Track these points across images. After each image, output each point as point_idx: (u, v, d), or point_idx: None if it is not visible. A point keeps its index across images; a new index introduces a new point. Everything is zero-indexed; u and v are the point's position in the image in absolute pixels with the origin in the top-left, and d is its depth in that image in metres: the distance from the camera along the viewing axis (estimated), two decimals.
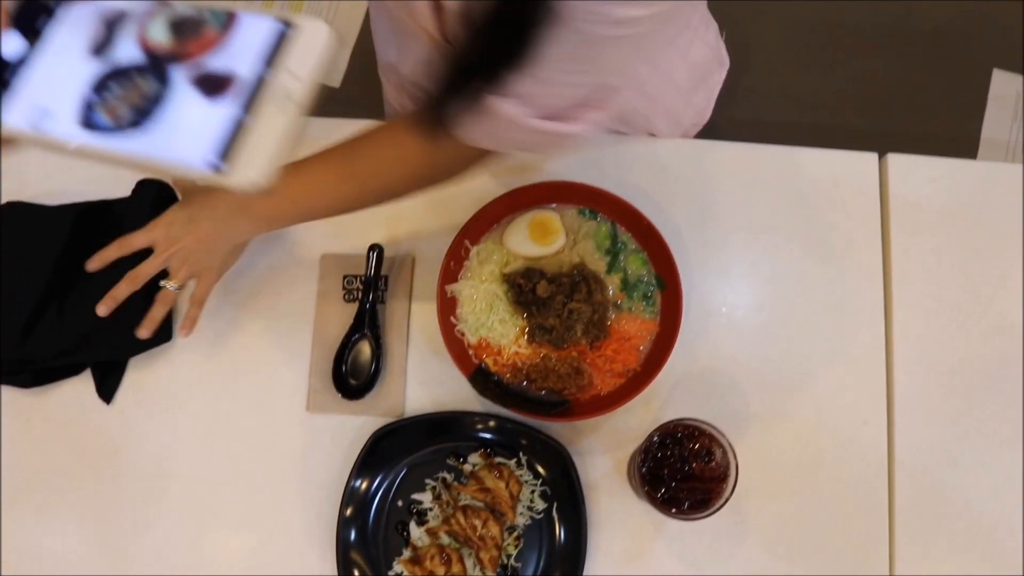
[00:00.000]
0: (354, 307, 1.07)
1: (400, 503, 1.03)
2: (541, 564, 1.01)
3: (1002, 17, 2.13)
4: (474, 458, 1.03)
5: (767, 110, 2.02)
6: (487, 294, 1.02)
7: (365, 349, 1.06)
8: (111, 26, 0.53)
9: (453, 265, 1.03)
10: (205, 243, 0.93)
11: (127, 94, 0.50)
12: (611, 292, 1.03)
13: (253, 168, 0.47)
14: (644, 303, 1.03)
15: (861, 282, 1.10)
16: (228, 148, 0.47)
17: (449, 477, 1.03)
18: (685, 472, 0.92)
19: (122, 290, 0.92)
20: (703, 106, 1.23)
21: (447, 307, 1.02)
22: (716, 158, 1.14)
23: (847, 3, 2.30)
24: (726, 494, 0.90)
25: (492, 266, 1.04)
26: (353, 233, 1.10)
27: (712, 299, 1.09)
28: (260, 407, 1.06)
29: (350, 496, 1.01)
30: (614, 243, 1.04)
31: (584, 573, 0.99)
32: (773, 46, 2.15)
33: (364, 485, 1.01)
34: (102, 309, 0.92)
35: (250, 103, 0.48)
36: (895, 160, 1.14)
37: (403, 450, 1.03)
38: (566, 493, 1.01)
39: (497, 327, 1.02)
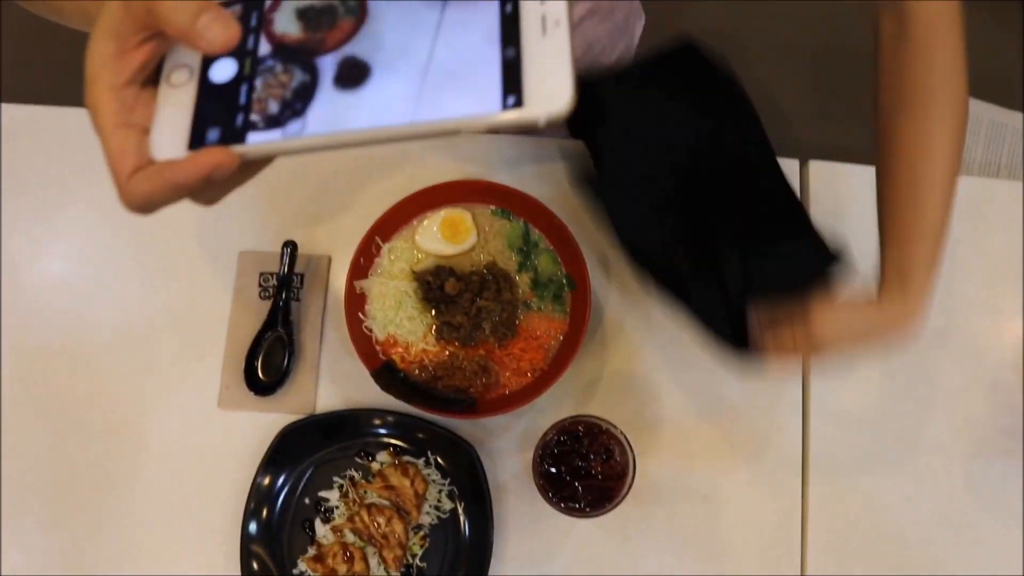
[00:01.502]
0: (269, 304, 1.07)
1: (307, 500, 1.02)
2: (446, 564, 1.00)
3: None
4: (382, 456, 1.02)
5: None
6: (396, 291, 1.02)
7: (277, 346, 1.05)
8: None
9: (363, 262, 1.03)
10: None
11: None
12: (521, 291, 1.03)
13: (554, 96, 0.43)
14: (554, 303, 1.02)
15: None
16: (515, 86, 0.44)
17: (357, 475, 1.02)
18: (584, 470, 0.91)
19: None
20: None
21: (355, 303, 1.01)
22: None
23: (822, 22, 2.32)
24: (623, 492, 0.90)
25: (403, 264, 1.04)
26: (272, 231, 1.10)
27: (627, 302, 1.09)
28: (172, 403, 1.06)
29: (255, 491, 1.00)
30: (526, 242, 1.04)
31: (490, 574, 0.98)
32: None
33: (269, 481, 1.01)
34: None
35: (516, 39, 0.45)
36: (817, 167, 1.14)
37: (311, 447, 1.02)
38: (473, 493, 1.01)
39: (405, 324, 1.01)
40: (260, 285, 1.08)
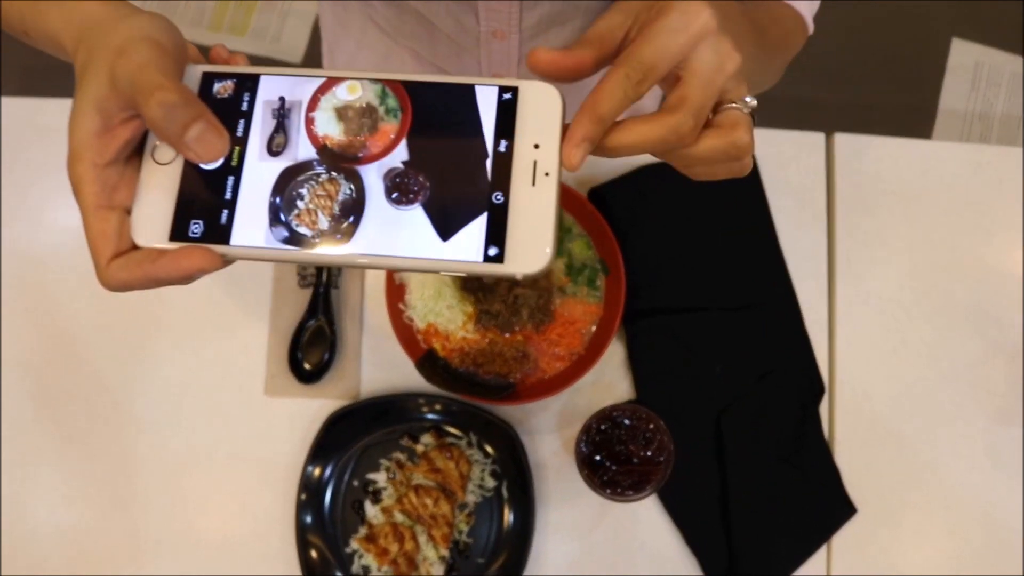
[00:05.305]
0: (309, 292, 1.09)
1: (356, 483, 1.06)
2: (492, 539, 1.05)
3: None
4: (426, 438, 1.06)
5: None
6: (435, 280, 1.04)
7: (320, 334, 1.08)
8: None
9: None
10: None
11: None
12: (555, 277, 1.05)
13: (532, 254, 0.42)
14: (588, 287, 1.05)
15: (805, 264, 1.11)
16: (499, 236, 0.42)
17: (403, 457, 1.06)
18: (624, 454, 0.95)
19: None
20: None
21: (396, 293, 1.04)
22: None
23: None
24: (661, 477, 0.94)
25: None
26: None
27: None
28: (220, 392, 1.09)
29: (306, 481, 1.04)
30: (559, 228, 1.06)
31: (534, 548, 1.03)
32: None
33: (318, 471, 1.05)
34: None
35: (504, 185, 0.43)
36: (842, 140, 1.15)
37: (358, 432, 1.06)
38: (515, 472, 1.05)
39: (445, 313, 1.04)
40: (298, 274, 1.11)
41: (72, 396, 1.09)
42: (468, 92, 0.45)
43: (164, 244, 0.45)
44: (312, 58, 2.11)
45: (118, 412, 1.09)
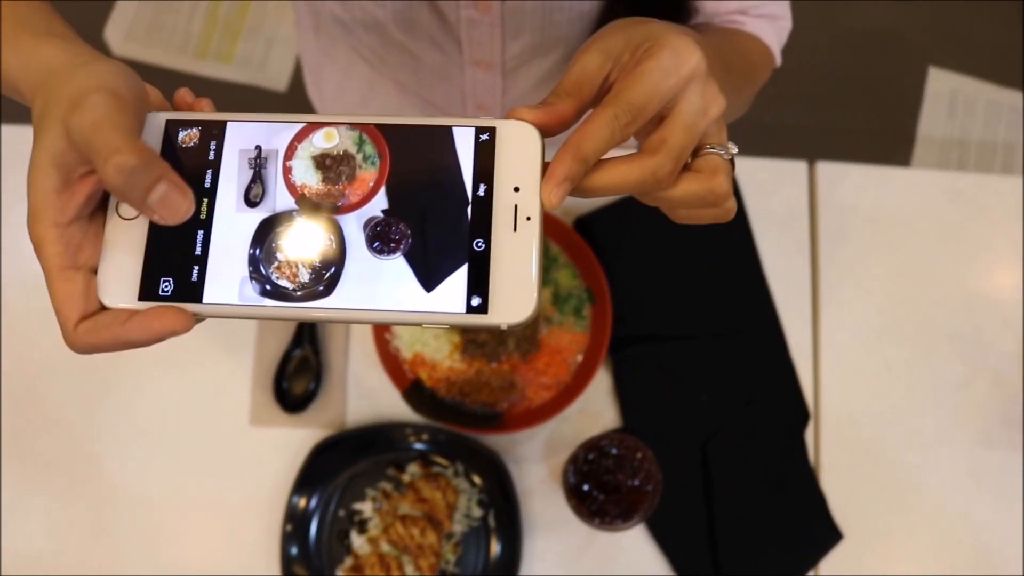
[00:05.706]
0: (294, 322, 1.09)
1: (342, 513, 1.06)
2: (479, 569, 1.05)
3: (938, 15, 2.15)
4: (412, 467, 1.06)
5: None
6: None
7: (305, 363, 1.08)
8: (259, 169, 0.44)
9: None
10: None
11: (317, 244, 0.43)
12: (542, 306, 1.06)
13: (517, 303, 0.41)
14: (575, 316, 1.05)
15: (789, 290, 1.12)
16: (481, 285, 0.41)
17: (389, 487, 1.06)
18: (612, 483, 0.95)
19: None
20: None
21: (382, 325, 1.04)
22: None
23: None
24: (649, 504, 0.94)
25: None
26: None
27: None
28: (205, 421, 1.09)
29: (291, 512, 1.04)
30: (544, 257, 1.07)
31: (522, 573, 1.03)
32: None
33: (304, 501, 1.04)
34: None
35: (485, 231, 0.42)
36: (824, 169, 1.17)
37: (344, 462, 1.06)
38: (502, 501, 1.05)
39: (431, 342, 1.04)
40: None
41: (54, 425, 1.08)
42: (446, 134, 0.44)
43: (133, 304, 0.43)
44: (298, 86, 2.11)
45: (101, 441, 1.08)
